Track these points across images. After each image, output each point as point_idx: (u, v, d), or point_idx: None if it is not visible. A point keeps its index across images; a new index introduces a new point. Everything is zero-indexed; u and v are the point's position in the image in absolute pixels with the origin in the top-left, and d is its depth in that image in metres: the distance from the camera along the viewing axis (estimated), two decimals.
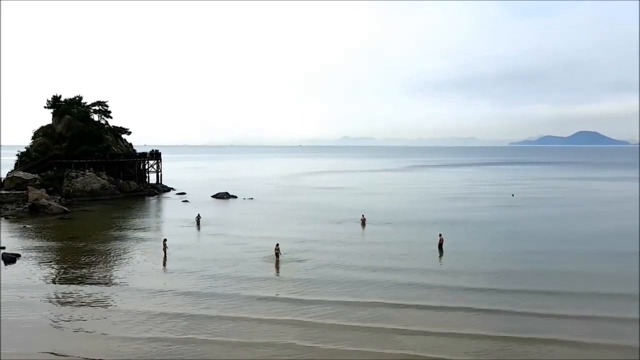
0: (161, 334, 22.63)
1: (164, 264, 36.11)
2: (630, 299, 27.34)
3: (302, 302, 27.17)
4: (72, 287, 30.27)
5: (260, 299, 27.70)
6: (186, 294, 28.57)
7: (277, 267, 35.09)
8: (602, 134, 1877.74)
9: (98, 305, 27.04)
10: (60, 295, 28.81)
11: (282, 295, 28.43)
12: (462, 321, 24.40)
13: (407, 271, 33.40)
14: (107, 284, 31.25)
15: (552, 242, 43.45)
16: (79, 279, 32.18)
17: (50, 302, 27.85)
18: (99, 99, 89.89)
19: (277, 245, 37.18)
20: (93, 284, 31.05)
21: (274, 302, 27.29)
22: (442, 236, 40.72)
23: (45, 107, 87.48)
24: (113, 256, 38.75)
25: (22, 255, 38.50)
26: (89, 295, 28.69)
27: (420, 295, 28.23)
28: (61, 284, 31.29)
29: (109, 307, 26.73)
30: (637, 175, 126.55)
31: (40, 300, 27.94)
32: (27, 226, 52.52)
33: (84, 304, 27.18)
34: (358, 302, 27.04)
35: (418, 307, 26.28)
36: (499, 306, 26.32)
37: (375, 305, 26.37)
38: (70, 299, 28.03)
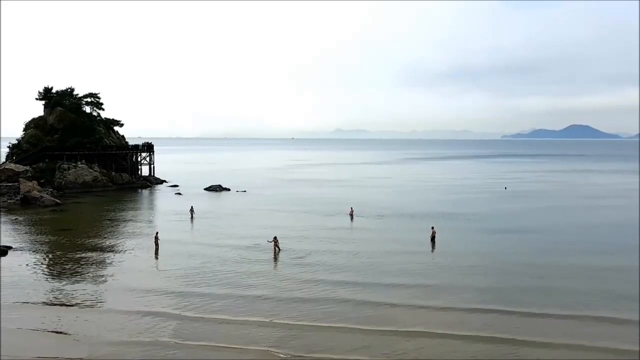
0: (150, 338, 21.57)
1: (156, 258, 36.07)
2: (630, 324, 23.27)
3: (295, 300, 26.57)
4: (62, 282, 30.02)
5: (257, 298, 26.45)
6: (177, 293, 27.44)
7: (276, 259, 35.39)
8: (594, 127, 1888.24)
9: (86, 302, 26.31)
10: (50, 290, 28.50)
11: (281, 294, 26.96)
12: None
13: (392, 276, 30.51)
14: (97, 279, 30.81)
15: (542, 244, 39.94)
16: (70, 273, 31.87)
17: (40, 295, 27.69)
18: (91, 91, 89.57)
19: (275, 237, 37.45)
20: (83, 279, 30.55)
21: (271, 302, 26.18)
22: (434, 229, 40.88)
23: (36, 99, 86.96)
24: (104, 249, 38.58)
25: (14, 247, 38.44)
26: (78, 291, 28.09)
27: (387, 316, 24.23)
28: (52, 277, 31.10)
29: (98, 306, 26.00)
30: (632, 168, 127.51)
31: (30, 293, 27.88)
32: (19, 218, 52.38)
33: (73, 301, 26.44)
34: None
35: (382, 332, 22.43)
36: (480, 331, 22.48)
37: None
38: (60, 295, 27.57)
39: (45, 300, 26.68)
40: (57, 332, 22.53)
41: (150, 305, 25.66)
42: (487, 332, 22.20)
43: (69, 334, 22.21)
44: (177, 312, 24.76)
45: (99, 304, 26.29)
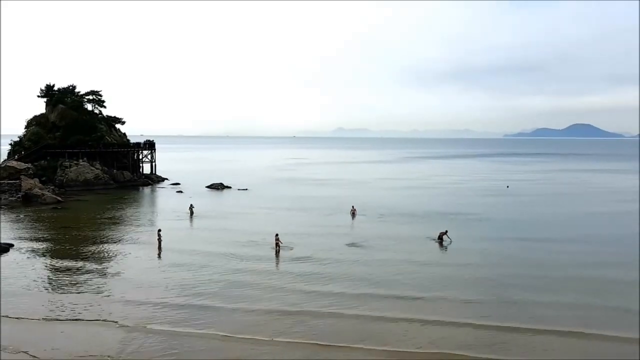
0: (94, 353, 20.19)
1: (159, 257, 35.70)
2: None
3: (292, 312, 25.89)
4: (55, 291, 28.25)
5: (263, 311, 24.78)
6: (155, 304, 25.70)
7: (277, 257, 35.15)
8: (596, 126, 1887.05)
9: (74, 313, 24.56)
10: (39, 300, 26.64)
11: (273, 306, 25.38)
12: None
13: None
14: (99, 279, 30.11)
15: (546, 254, 36.95)
16: (65, 279, 30.31)
17: (41, 294, 27.40)
18: (92, 89, 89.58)
19: (277, 235, 37.14)
20: (78, 287, 28.68)
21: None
22: (441, 232, 40.57)
23: (38, 96, 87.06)
24: (104, 251, 37.64)
25: (15, 245, 38.38)
26: (70, 300, 26.29)
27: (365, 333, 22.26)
28: (45, 284, 29.49)
29: (79, 317, 24.22)
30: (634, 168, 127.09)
31: (30, 291, 27.70)
32: (20, 216, 52.34)
33: (57, 311, 24.81)
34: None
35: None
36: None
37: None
38: (46, 306, 25.66)
39: (31, 311, 24.83)
40: (19, 352, 20.49)
41: (124, 317, 23.99)
42: (482, 351, 20.40)
43: (28, 351, 20.34)
44: (134, 324, 23.00)
45: (80, 315, 24.39)
